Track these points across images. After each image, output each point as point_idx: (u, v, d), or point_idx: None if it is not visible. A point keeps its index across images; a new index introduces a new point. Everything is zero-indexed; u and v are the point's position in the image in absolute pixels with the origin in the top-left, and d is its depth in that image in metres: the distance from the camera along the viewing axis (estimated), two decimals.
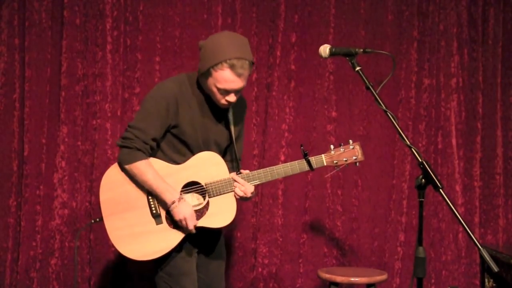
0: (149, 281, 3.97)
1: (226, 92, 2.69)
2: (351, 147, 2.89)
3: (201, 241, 2.89)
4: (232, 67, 2.63)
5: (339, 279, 3.47)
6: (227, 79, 2.65)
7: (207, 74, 2.69)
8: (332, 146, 2.91)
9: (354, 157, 2.89)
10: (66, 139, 3.89)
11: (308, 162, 2.85)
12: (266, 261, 4.10)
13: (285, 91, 4.13)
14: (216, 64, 2.64)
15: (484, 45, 4.35)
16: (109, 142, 3.91)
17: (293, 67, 4.13)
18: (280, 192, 4.09)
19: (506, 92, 4.37)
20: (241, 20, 4.08)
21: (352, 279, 3.48)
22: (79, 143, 3.91)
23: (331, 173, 2.95)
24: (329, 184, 4.15)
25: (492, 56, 4.34)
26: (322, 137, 4.15)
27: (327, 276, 3.50)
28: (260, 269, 4.09)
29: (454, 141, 4.29)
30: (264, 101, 4.11)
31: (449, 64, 4.30)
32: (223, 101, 2.73)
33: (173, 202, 2.72)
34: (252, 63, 2.72)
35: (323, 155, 2.89)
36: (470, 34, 4.33)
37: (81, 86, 3.91)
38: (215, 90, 2.70)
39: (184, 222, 2.73)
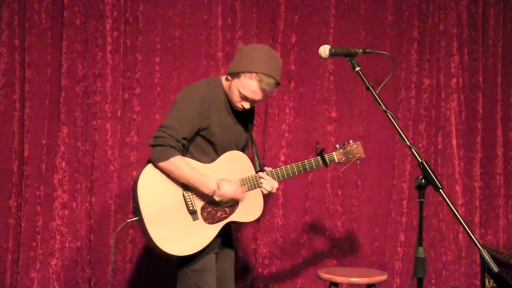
0: (149, 281, 3.99)
1: (245, 98, 2.87)
2: (354, 145, 3.20)
3: (222, 239, 3.03)
4: (260, 80, 2.82)
5: (339, 279, 3.47)
6: (251, 89, 2.83)
7: (235, 75, 2.86)
8: (338, 146, 3.21)
9: (358, 155, 3.20)
10: (66, 140, 3.89)
11: (323, 159, 3.13)
12: (266, 262, 4.10)
13: (285, 91, 4.13)
14: (248, 72, 2.82)
15: (484, 45, 4.35)
16: (109, 143, 3.91)
17: (293, 67, 4.13)
18: (280, 193, 4.09)
19: (506, 92, 4.37)
20: (241, 20, 4.08)
21: (352, 279, 3.47)
22: (79, 143, 3.91)
23: (344, 167, 3.24)
24: (329, 184, 4.16)
25: (492, 56, 4.34)
26: (322, 137, 4.14)
27: (327, 276, 3.50)
28: (260, 270, 4.09)
29: (454, 141, 4.29)
30: (264, 102, 4.10)
31: (449, 64, 4.30)
32: (238, 104, 2.90)
33: (214, 192, 2.85)
34: (277, 84, 2.90)
35: (334, 152, 3.18)
36: (470, 34, 4.33)
37: (81, 87, 3.92)
38: (236, 92, 2.87)
39: (235, 199, 2.91)
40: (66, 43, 3.88)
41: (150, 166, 2.85)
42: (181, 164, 2.81)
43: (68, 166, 3.89)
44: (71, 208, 3.89)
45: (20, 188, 3.87)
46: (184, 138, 2.83)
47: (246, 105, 2.89)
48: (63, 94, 3.88)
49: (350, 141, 3.20)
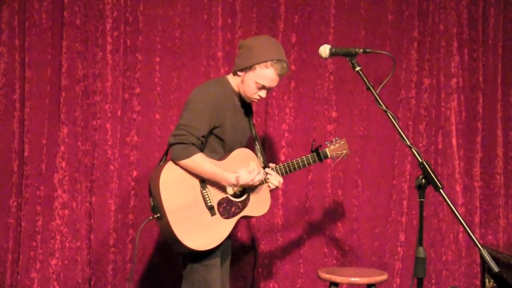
0: (149, 280, 3.98)
1: (262, 87, 3.00)
2: (342, 142, 3.38)
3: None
4: (275, 68, 2.96)
5: (339, 279, 3.47)
6: (269, 77, 2.97)
7: (248, 69, 2.98)
8: (327, 142, 3.36)
9: (344, 151, 3.37)
10: (67, 140, 3.89)
11: (319, 155, 3.28)
12: (266, 261, 4.10)
13: (285, 91, 4.13)
14: (263, 62, 2.94)
15: (484, 45, 4.35)
16: (109, 143, 3.91)
17: (293, 67, 4.13)
18: (280, 192, 4.09)
19: (506, 92, 4.37)
20: (241, 20, 4.08)
21: (352, 279, 3.48)
22: (79, 143, 3.91)
23: (338, 160, 3.39)
24: (329, 184, 4.15)
25: (492, 56, 4.34)
26: (322, 137, 4.13)
27: (327, 276, 3.50)
28: (260, 269, 4.09)
29: (454, 141, 4.29)
30: (264, 101, 4.11)
31: (449, 64, 4.30)
32: (255, 96, 3.03)
33: (234, 185, 2.96)
34: (288, 67, 3.03)
35: (326, 149, 3.33)
36: (470, 34, 4.33)
37: (81, 87, 3.91)
38: (252, 84, 2.98)
39: (255, 182, 3.00)
40: (66, 43, 3.88)
41: (170, 163, 2.91)
42: (203, 161, 2.89)
43: (68, 166, 3.89)
44: (71, 208, 3.89)
45: (20, 188, 3.87)
46: (203, 136, 2.91)
47: (263, 94, 3.01)
48: (63, 94, 3.88)
49: (336, 138, 3.38)
